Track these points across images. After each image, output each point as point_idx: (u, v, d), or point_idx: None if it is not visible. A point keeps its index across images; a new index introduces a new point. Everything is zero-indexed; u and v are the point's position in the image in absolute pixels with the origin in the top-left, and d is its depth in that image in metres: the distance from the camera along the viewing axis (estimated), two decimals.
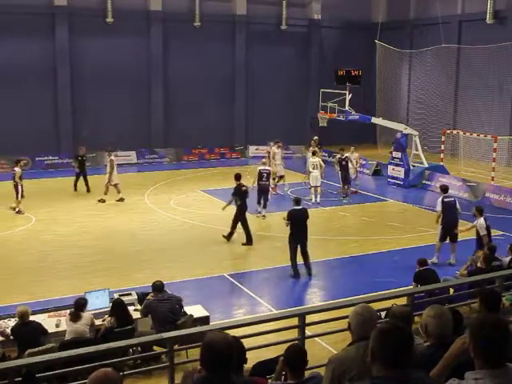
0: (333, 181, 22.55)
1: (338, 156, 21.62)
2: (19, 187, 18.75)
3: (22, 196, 18.91)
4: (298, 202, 13.94)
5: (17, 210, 18.83)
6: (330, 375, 3.87)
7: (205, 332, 3.91)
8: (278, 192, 21.96)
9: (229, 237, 15.98)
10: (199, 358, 3.56)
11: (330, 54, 33.51)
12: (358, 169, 24.31)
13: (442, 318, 4.09)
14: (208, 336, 3.60)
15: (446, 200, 14.21)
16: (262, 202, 18.83)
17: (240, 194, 15.97)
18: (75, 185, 22.07)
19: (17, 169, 19.14)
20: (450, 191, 22.50)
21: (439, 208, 14.08)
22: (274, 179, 21.94)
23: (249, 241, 15.85)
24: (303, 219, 13.65)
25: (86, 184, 21.92)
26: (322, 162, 20.91)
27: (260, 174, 18.77)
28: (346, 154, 21.59)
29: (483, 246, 12.45)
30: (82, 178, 22.02)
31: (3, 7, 25.86)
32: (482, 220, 12.98)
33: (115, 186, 20.36)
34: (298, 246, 13.62)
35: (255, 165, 28.83)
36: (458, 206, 14.34)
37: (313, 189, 20.57)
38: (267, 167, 19.34)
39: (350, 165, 21.55)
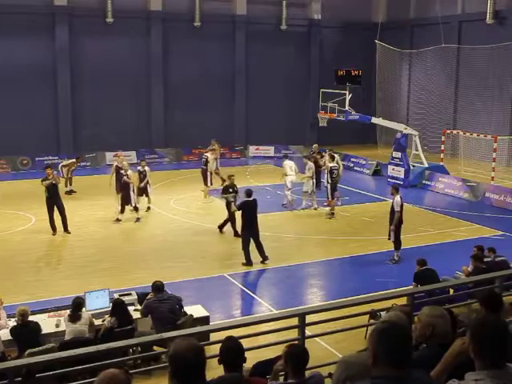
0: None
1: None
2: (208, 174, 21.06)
3: (211, 183, 21.29)
4: (249, 194, 14.39)
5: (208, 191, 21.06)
6: (338, 376, 3.77)
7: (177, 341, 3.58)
8: None
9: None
10: (170, 371, 3.33)
11: (329, 54, 33.48)
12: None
13: (444, 318, 4.09)
14: (173, 347, 3.37)
15: None
16: (330, 196, 19.16)
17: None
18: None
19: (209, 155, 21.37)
20: (449, 191, 22.78)
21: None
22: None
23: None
24: (255, 210, 14.27)
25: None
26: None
27: (331, 171, 19.18)
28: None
29: (393, 220, 14.30)
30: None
31: (3, 7, 25.87)
32: (398, 198, 14.41)
33: None
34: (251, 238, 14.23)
35: (255, 164, 28.96)
36: None
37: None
38: (335, 164, 19.83)
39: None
